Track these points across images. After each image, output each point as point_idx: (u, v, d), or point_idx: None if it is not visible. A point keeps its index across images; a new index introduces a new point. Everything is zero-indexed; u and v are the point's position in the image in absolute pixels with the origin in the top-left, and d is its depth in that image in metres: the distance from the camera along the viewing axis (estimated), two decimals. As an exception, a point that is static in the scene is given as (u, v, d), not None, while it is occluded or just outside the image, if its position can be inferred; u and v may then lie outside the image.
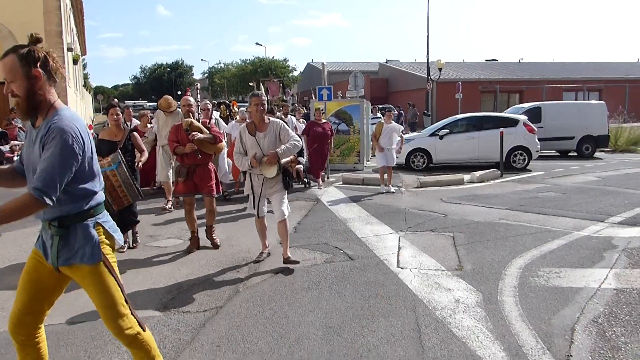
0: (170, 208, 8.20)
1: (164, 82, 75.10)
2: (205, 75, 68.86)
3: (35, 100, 2.30)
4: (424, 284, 4.57)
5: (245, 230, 6.72)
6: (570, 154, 17.26)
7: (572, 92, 35.30)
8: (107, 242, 2.49)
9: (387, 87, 41.51)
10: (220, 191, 6.34)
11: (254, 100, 5.04)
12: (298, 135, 6.83)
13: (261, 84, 24.61)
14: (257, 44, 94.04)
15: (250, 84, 38.87)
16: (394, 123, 10.25)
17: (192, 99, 6.20)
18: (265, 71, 44.70)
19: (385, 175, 9.96)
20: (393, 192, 9.72)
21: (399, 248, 5.81)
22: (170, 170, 8.28)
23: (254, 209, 5.19)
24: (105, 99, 59.54)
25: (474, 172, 11.59)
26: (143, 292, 4.47)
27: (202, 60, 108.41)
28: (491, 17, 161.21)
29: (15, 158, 11.05)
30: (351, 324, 3.74)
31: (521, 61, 48.16)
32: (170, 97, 8.69)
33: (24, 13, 13.61)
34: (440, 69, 27.41)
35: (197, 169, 5.81)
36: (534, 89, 33.65)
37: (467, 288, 4.45)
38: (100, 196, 2.47)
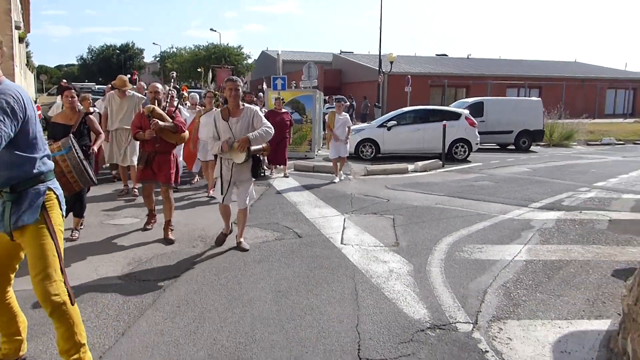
0: (124, 191, 8.22)
1: (112, 64, 72.67)
2: (157, 59, 67.21)
3: None
4: (363, 257, 5.13)
5: (201, 212, 7.09)
6: (509, 147, 18.40)
7: (514, 89, 37.07)
8: (58, 208, 2.68)
9: (340, 78, 42.15)
10: (179, 181, 6.34)
11: (228, 85, 5.12)
12: None
13: (210, 71, 23.41)
14: (211, 29, 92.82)
15: (199, 69, 37.93)
16: (345, 114, 10.46)
17: (159, 85, 6.09)
18: (219, 58, 44.32)
19: (338, 164, 10.32)
20: (342, 180, 10.15)
21: (344, 228, 6.35)
22: (125, 154, 8.24)
23: (221, 194, 5.27)
24: (48, 79, 57.13)
25: (418, 162, 12.34)
26: (104, 264, 4.80)
27: (153, 44, 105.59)
28: (444, 13, 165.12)
29: None
30: (297, 289, 4.24)
31: (469, 57, 49.91)
32: (125, 77, 8.58)
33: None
34: (391, 62, 28.23)
35: (156, 156, 5.76)
36: (479, 85, 35.13)
37: (401, 261, 5.04)
38: (51, 163, 2.66)
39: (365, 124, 17.19)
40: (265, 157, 9.58)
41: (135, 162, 8.00)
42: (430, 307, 3.91)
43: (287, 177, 10.51)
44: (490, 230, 6.31)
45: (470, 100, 19.55)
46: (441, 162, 12.90)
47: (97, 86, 40.30)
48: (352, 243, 5.67)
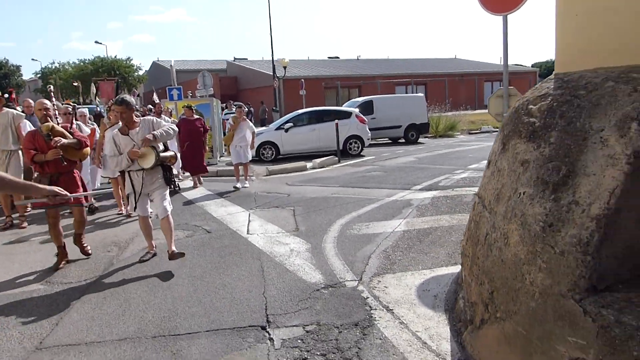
0: (8, 224, 7.17)
1: (-16, 83, 66.66)
2: (38, 75, 62.78)
3: None
4: (267, 243, 5.83)
5: (112, 227, 7.37)
6: (400, 140, 20.04)
7: (402, 86, 39.75)
8: None
9: (237, 85, 42.49)
10: (90, 200, 5.92)
11: (116, 109, 5.06)
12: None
13: (92, 84, 21.98)
14: (96, 42, 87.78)
15: (75, 84, 35.62)
16: (245, 119, 10.44)
17: (48, 102, 5.77)
18: (108, 71, 42.67)
19: (241, 170, 10.31)
20: (247, 187, 9.99)
21: (249, 221, 7.00)
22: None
23: (134, 208, 5.19)
24: None
25: (315, 160, 13.28)
26: (24, 275, 5.04)
27: (32, 60, 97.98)
28: (333, 16, 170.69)
29: None
30: (210, 273, 4.85)
31: (359, 58, 52.51)
32: None
33: None
34: (284, 67, 29.19)
35: (60, 177, 5.33)
36: (370, 84, 37.24)
37: (300, 242, 5.81)
38: None
39: (264, 128, 17.89)
40: (177, 167, 9.68)
41: None
42: (324, 273, 4.71)
43: (200, 185, 10.47)
44: (376, 211, 7.29)
45: (361, 99, 20.98)
46: (337, 158, 13.95)
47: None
48: (257, 232, 6.34)
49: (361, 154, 15.54)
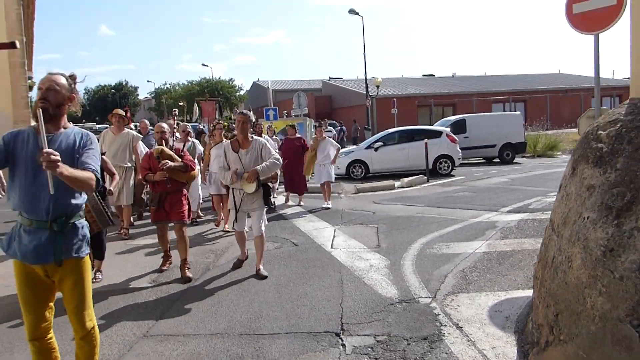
0: (123, 233, 7.73)
1: (108, 103, 74.28)
2: (152, 95, 68.82)
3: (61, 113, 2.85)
4: (349, 257, 6.13)
5: (215, 238, 8.10)
6: (494, 160, 19.46)
7: (500, 104, 38.44)
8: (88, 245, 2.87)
9: (330, 104, 43.56)
10: (192, 218, 6.30)
11: (238, 118, 5.43)
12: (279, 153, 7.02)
13: (195, 104, 22.63)
14: (203, 64, 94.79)
15: (180, 103, 37.88)
16: (326, 137, 10.57)
17: (165, 125, 6.14)
18: (212, 91, 45.78)
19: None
20: (329, 207, 9.86)
21: (334, 236, 7.36)
22: (123, 195, 7.90)
23: (235, 221, 5.54)
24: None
25: (404, 179, 13.41)
26: (135, 275, 5.78)
27: (148, 81, 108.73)
28: (428, 33, 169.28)
29: None
30: (294, 282, 5.25)
31: (454, 75, 51.57)
32: (121, 111, 8.36)
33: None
34: (377, 86, 29.57)
35: (167, 196, 5.71)
36: (465, 102, 36.50)
37: (380, 258, 6.05)
38: None
39: (354, 146, 18.32)
40: (275, 185, 9.61)
41: (127, 203, 7.93)
42: (400, 288, 4.91)
43: (302, 204, 10.41)
44: (459, 231, 7.32)
45: (453, 118, 20.76)
46: (425, 178, 13.96)
47: (97, 125, 41.48)
48: (340, 247, 6.67)
49: (451, 173, 15.39)
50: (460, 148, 16.10)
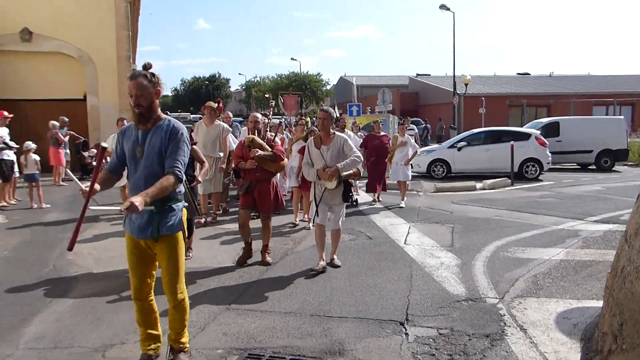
0: (204, 222, 8.18)
1: (201, 94, 78.30)
2: (243, 88, 71.65)
3: (154, 109, 3.18)
4: (421, 254, 6.28)
5: (294, 229, 8.57)
6: (590, 167, 18.24)
7: (602, 107, 35.86)
8: (184, 224, 3.30)
9: (417, 101, 43.03)
10: (281, 206, 6.42)
11: (319, 115, 5.64)
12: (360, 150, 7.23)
13: (279, 97, 23.00)
14: (292, 59, 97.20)
15: (266, 95, 38.73)
16: (407, 136, 10.53)
17: (259, 115, 6.28)
18: (299, 85, 46.84)
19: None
20: (402, 207, 9.77)
21: (408, 233, 7.52)
22: (213, 183, 8.31)
23: (316, 215, 5.69)
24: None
25: (486, 180, 13.14)
26: (222, 255, 6.34)
27: (239, 74, 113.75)
28: (523, 30, 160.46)
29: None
30: (365, 272, 5.52)
31: (552, 75, 48.82)
32: (213, 104, 8.68)
33: (100, 41, 15.99)
34: (466, 84, 28.84)
35: (257, 185, 5.92)
36: (562, 103, 34.49)
37: (452, 257, 6.14)
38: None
39: (436, 145, 18.12)
40: (356, 182, 9.55)
41: (215, 190, 8.38)
42: (468, 287, 5.01)
43: (379, 201, 10.45)
44: (538, 237, 7.19)
45: (545, 120, 19.80)
46: (510, 181, 13.57)
47: (191, 115, 44.00)
48: (413, 244, 6.83)
49: (539, 178, 14.80)
50: (551, 152, 15.43)
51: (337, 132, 5.73)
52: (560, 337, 3.86)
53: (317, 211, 5.69)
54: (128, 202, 2.82)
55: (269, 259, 5.98)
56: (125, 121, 6.83)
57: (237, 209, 6.64)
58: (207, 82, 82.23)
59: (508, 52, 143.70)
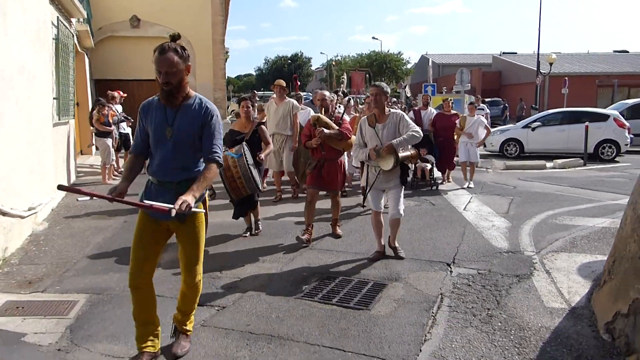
0: (278, 198, 8.42)
1: (284, 73, 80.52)
2: (325, 67, 72.90)
3: (183, 87, 3.00)
4: (476, 218, 7.23)
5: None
6: None
7: None
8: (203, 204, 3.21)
9: (500, 80, 42.08)
10: (344, 187, 6.38)
11: (371, 91, 5.26)
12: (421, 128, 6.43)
13: (345, 74, 23.04)
14: (373, 38, 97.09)
15: (342, 77, 39.38)
16: (477, 115, 10.26)
17: (327, 93, 6.36)
18: (380, 64, 47.34)
19: (469, 170, 9.99)
20: (472, 187, 9.69)
21: (469, 202, 8.43)
22: (281, 159, 8.55)
23: (368, 201, 5.41)
24: (234, 88, 66.23)
25: (557, 160, 13.48)
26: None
27: (321, 53, 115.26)
28: (623, 4, 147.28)
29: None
30: (424, 229, 6.59)
31: (652, 53, 45.53)
32: (282, 81, 8.71)
33: (198, 26, 17.83)
34: (551, 64, 28.14)
35: (325, 163, 5.94)
36: (659, 84, 32.56)
37: (504, 221, 7.03)
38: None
39: (510, 125, 18.35)
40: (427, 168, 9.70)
41: (287, 169, 8.62)
42: (511, 243, 5.94)
43: (449, 182, 10.37)
44: (590, 209, 7.83)
45: (631, 101, 19.26)
46: (582, 161, 13.78)
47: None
48: (471, 210, 7.77)
49: (615, 159, 14.80)
50: (635, 134, 15.28)
51: (392, 109, 5.40)
52: (577, 278, 4.76)
53: (366, 197, 5.42)
54: (181, 201, 2.77)
55: (339, 231, 6.19)
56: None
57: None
58: (289, 61, 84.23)
59: (604, 28, 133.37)
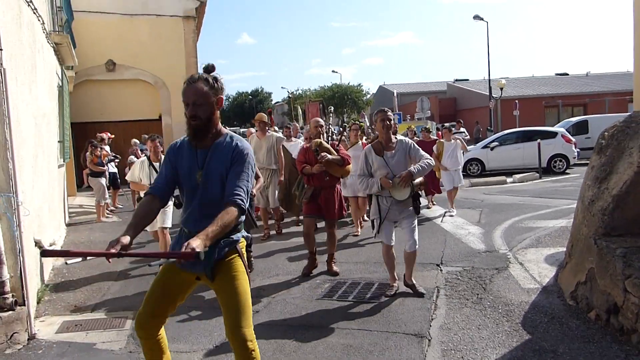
0: (266, 236, 8.03)
1: (245, 109, 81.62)
2: (285, 101, 74.53)
3: (214, 123, 2.63)
4: (453, 227, 8.21)
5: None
6: None
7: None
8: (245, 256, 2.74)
9: (455, 106, 44.42)
10: (344, 214, 6.29)
11: (379, 117, 4.86)
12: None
13: (299, 107, 20.52)
14: (333, 71, 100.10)
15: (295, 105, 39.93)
16: (453, 141, 9.83)
17: (321, 121, 6.32)
18: (341, 96, 49.05)
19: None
20: (452, 215, 9.31)
21: (444, 215, 9.42)
22: (267, 195, 8.12)
23: (380, 234, 5.00)
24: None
25: (516, 175, 14.82)
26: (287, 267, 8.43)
27: (282, 87, 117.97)
28: (559, 30, 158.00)
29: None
30: (411, 239, 7.49)
31: (589, 74, 49.16)
32: (264, 115, 8.40)
33: (172, 68, 18.61)
34: (501, 89, 30.27)
35: (322, 191, 5.80)
36: (598, 102, 35.25)
37: (477, 228, 8.03)
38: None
39: (471, 146, 19.79)
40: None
41: (273, 205, 8.20)
42: (487, 245, 6.92)
43: (434, 204, 10.44)
44: (549, 214, 8.96)
45: (575, 119, 21.21)
46: (538, 175, 15.17)
47: (241, 129, 46.71)
48: (448, 222, 8.76)
49: (566, 172, 16.29)
50: (581, 148, 16.93)
51: (399, 137, 5.07)
52: (545, 265, 5.75)
53: (379, 229, 4.97)
54: (186, 245, 2.28)
55: (336, 268, 5.88)
56: (158, 141, 6.60)
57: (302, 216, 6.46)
58: (250, 96, 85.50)
59: (545, 53, 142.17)
